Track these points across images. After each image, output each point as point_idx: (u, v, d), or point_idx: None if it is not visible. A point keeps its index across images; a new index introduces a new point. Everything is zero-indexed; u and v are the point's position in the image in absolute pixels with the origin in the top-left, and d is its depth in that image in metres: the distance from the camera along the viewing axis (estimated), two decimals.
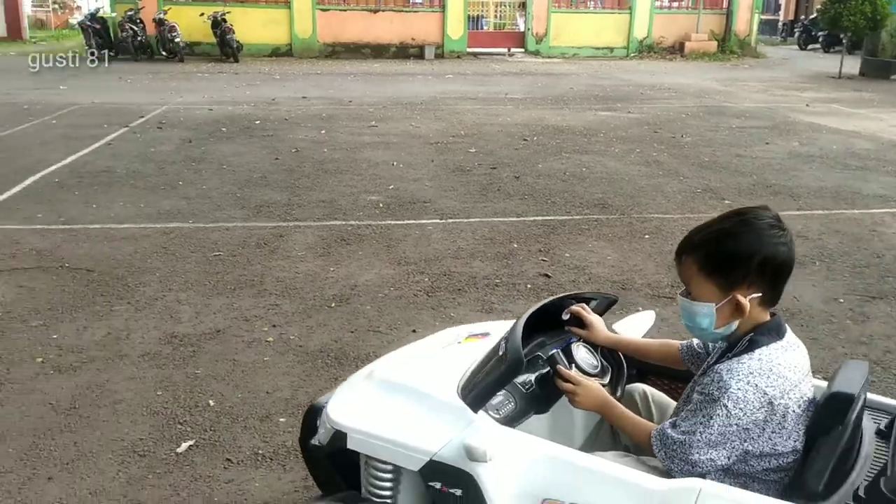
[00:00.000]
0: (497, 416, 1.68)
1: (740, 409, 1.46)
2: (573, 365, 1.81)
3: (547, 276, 4.37)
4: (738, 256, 1.52)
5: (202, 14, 19.10)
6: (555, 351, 1.81)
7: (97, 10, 20.34)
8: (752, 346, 1.53)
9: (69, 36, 27.30)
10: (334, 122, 9.71)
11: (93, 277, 4.17)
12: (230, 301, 3.87)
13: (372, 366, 1.94)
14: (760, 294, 1.53)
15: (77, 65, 17.03)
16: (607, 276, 4.36)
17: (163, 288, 4.07)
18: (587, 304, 1.98)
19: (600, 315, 1.97)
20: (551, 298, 1.94)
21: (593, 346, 1.91)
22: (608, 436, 1.97)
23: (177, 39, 18.31)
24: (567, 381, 1.74)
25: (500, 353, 1.69)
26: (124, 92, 12.49)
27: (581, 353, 1.86)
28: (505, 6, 24.27)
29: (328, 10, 20.64)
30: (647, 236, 5.12)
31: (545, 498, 1.53)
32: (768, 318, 1.58)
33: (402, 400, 1.72)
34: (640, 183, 6.61)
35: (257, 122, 9.61)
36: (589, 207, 5.86)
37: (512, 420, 1.70)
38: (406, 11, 21.08)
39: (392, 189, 6.32)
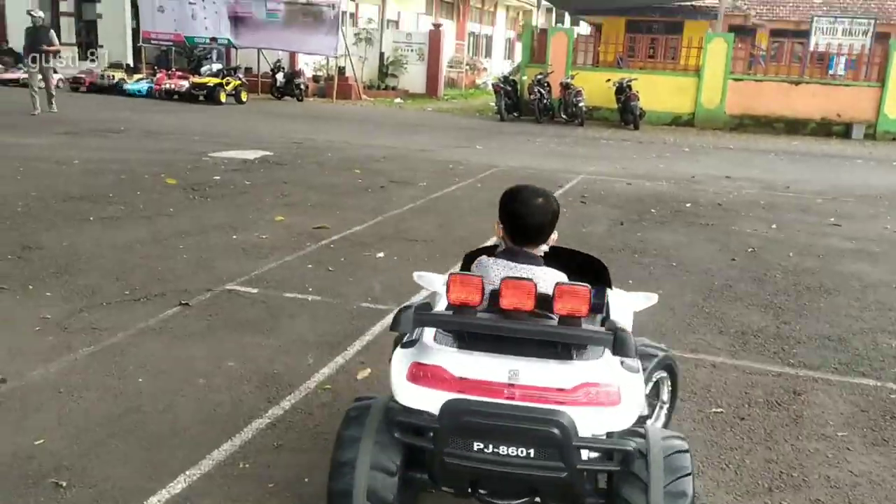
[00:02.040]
0: None
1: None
2: None
3: None
4: (500, 203, 2.41)
5: (608, 80, 18.78)
6: None
7: (511, 72, 21.28)
8: (497, 253, 2.41)
9: (475, 95, 29.45)
10: (780, 214, 8.11)
11: None
12: None
13: None
14: (503, 227, 2.40)
15: (485, 122, 17.84)
16: None
17: None
18: None
19: None
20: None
21: None
22: None
23: (581, 104, 18.19)
24: None
25: None
26: (535, 156, 12.31)
27: None
28: None
29: (742, 79, 18.96)
30: None
31: None
32: (511, 245, 2.38)
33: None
34: None
35: (687, 205, 8.43)
36: None
37: None
38: (833, 84, 18.46)
39: None
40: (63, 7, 26.14)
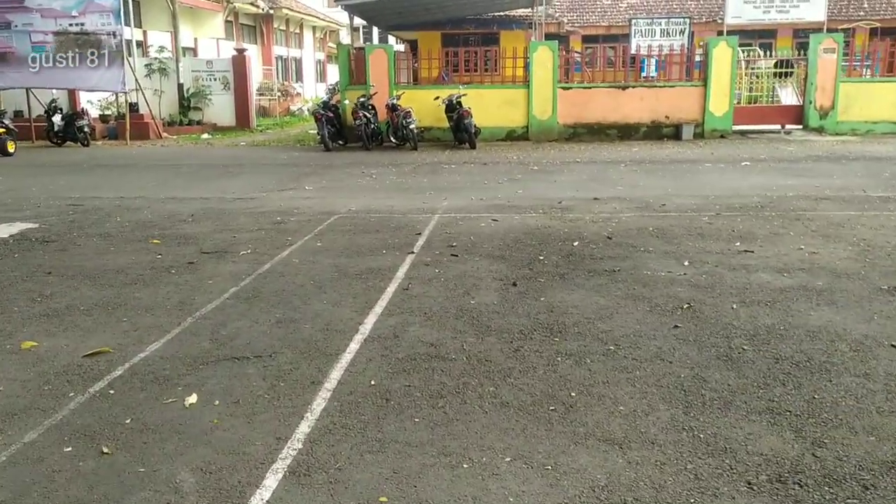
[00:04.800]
0: None
1: None
2: None
3: None
4: None
5: (437, 98, 17.49)
6: None
7: (328, 96, 19.41)
8: None
9: (291, 123, 27.26)
10: (679, 244, 6.90)
11: None
12: None
13: None
14: None
15: (308, 153, 15.85)
16: None
17: None
18: None
19: None
20: None
21: None
22: None
23: (412, 126, 16.69)
24: None
25: None
26: (376, 192, 10.54)
27: None
28: (759, 77, 20.88)
29: (570, 88, 18.37)
30: None
31: None
32: None
33: None
34: None
35: (575, 243, 7.02)
36: None
37: None
38: (659, 87, 18.31)
39: None
40: None
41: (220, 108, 23.63)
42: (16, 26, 19.46)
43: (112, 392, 3.78)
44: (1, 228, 8.11)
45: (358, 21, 23.09)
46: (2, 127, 17.12)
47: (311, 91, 38.47)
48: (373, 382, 3.84)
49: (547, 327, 4.66)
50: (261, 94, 28.56)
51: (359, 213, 8.81)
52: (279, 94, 30.01)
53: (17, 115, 20.68)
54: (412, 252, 6.76)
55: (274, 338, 4.55)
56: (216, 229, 7.97)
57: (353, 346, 4.39)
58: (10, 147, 16.97)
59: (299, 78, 38.50)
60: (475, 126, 16.81)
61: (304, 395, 3.70)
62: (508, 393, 3.69)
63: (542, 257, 6.49)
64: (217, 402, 3.64)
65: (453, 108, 17.14)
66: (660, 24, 18.88)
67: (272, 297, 5.44)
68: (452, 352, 4.26)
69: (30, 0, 19.27)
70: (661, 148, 16.08)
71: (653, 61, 19.40)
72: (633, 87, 18.33)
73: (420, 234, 7.58)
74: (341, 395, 3.69)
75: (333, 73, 43.40)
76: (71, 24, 19.37)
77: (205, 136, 21.72)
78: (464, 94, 17.26)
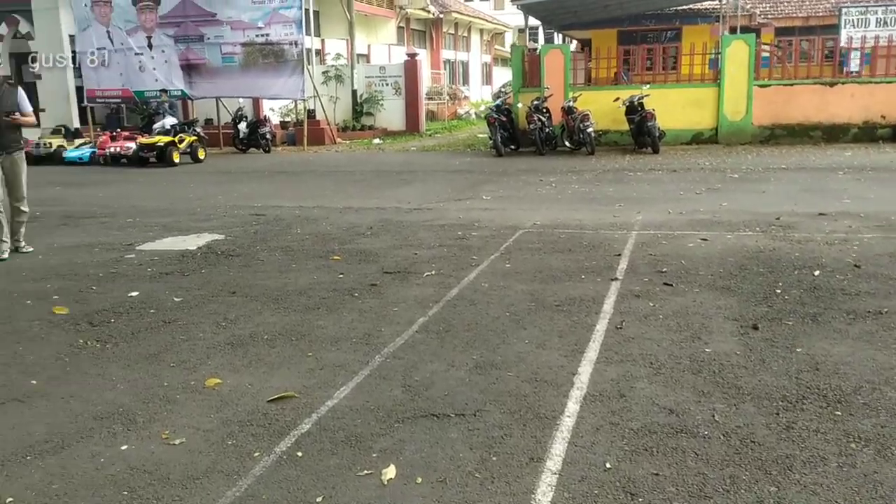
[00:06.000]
0: None
1: None
2: None
3: None
4: None
5: (616, 99, 16.38)
6: None
7: (501, 99, 18.84)
8: None
9: (459, 126, 27.04)
10: None
11: None
12: None
13: None
14: None
15: (480, 159, 15.33)
16: None
17: None
18: None
19: None
20: None
21: None
22: None
23: (589, 129, 15.73)
24: None
25: None
26: (560, 204, 9.73)
27: None
28: None
29: (768, 85, 16.60)
30: None
31: None
32: None
33: None
34: None
35: (816, 272, 5.84)
36: None
37: None
38: (875, 83, 16.11)
39: None
40: None
41: (390, 112, 23.82)
42: (208, 39, 20.47)
43: (300, 454, 3.25)
44: (190, 240, 8.11)
45: (529, 22, 22.34)
46: (194, 135, 18.02)
47: (477, 94, 38.33)
48: (608, 465, 3.05)
49: (819, 393, 3.65)
50: (429, 98, 28.61)
51: (545, 228, 8.05)
52: (448, 97, 29.95)
53: (208, 122, 21.85)
54: (616, 278, 5.90)
55: (475, 388, 3.88)
56: (396, 244, 7.51)
57: (572, 405, 3.62)
58: (201, 154, 17.81)
59: (466, 81, 38.47)
60: (659, 129, 15.56)
61: (525, 478, 2.97)
62: (798, 497, 2.76)
63: (778, 290, 5.40)
64: (419, 480, 3.00)
65: (635, 109, 15.99)
66: (875, 12, 16.64)
67: (465, 331, 4.79)
68: (702, 424, 3.37)
69: (221, 13, 20.19)
70: (881, 152, 14.05)
71: (857, 55, 17.17)
72: (843, 83, 16.29)
73: (619, 255, 6.69)
74: (571, 482, 2.93)
75: (498, 76, 43.09)
76: (257, 35, 20.09)
77: (376, 140, 21.90)
78: (647, 95, 16.05)
